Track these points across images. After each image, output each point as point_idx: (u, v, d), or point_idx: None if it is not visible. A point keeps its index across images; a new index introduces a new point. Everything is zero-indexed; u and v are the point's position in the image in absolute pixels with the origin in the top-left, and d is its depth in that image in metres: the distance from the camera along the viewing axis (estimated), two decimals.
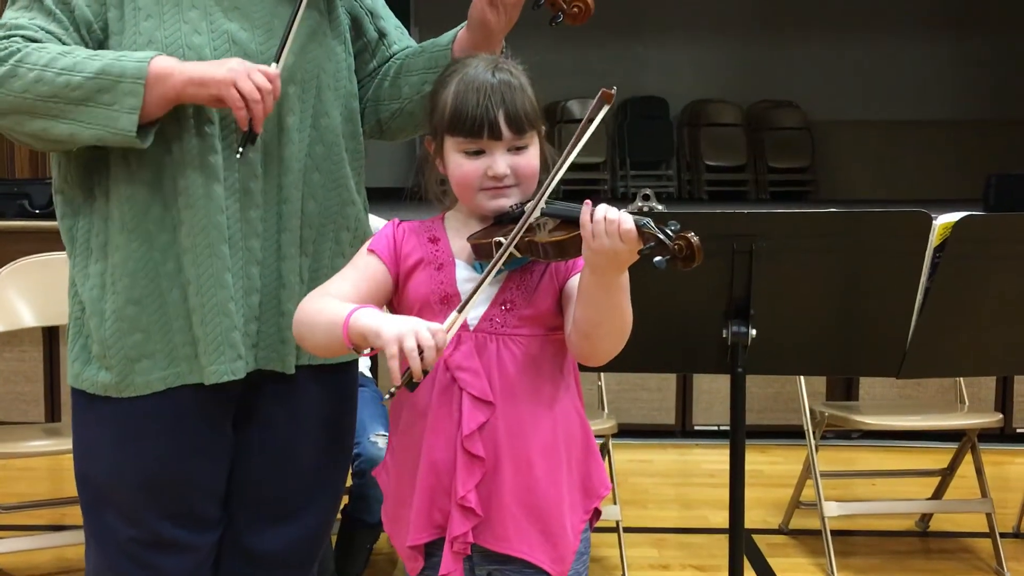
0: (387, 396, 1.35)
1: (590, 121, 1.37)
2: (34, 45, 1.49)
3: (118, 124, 1.47)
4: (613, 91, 1.36)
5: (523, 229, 1.38)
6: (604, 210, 1.32)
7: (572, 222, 1.39)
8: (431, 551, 1.49)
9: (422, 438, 1.46)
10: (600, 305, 1.38)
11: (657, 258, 1.30)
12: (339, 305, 1.41)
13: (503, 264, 1.41)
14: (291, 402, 1.67)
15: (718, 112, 8.40)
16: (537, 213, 1.40)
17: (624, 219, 1.31)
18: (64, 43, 1.52)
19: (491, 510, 1.45)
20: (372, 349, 1.34)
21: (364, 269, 1.49)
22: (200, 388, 1.58)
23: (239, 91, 1.47)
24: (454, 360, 1.45)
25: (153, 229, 1.56)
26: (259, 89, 1.47)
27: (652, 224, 1.31)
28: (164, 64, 1.48)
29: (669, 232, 1.30)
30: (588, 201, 1.34)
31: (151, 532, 1.61)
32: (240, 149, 1.53)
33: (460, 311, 1.36)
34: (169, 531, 1.62)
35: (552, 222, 1.42)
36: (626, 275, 1.37)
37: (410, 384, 1.29)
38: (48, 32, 1.52)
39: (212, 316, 1.55)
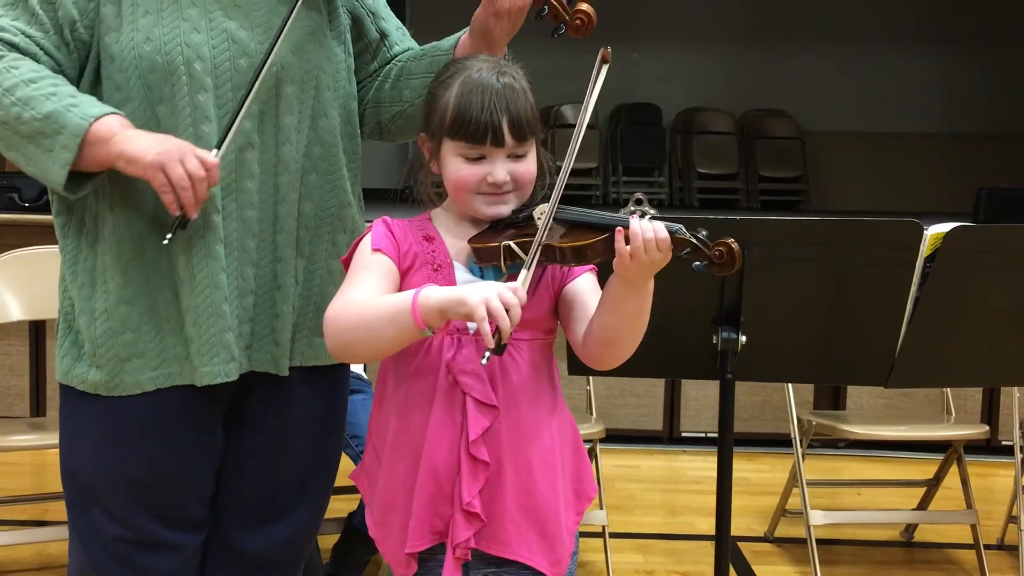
0: (483, 361, 1.33)
1: (593, 85, 1.38)
2: (9, 59, 1.49)
3: (50, 173, 1.47)
4: (610, 49, 1.37)
5: (544, 235, 1.38)
6: (641, 223, 1.33)
7: (583, 227, 1.40)
8: (423, 556, 1.48)
9: (421, 443, 1.45)
10: (629, 313, 1.39)
11: (696, 263, 1.34)
12: (390, 297, 1.39)
13: (506, 267, 1.42)
14: (282, 404, 1.66)
15: (710, 120, 8.42)
16: (550, 219, 1.40)
17: (659, 229, 1.32)
18: (43, 47, 1.52)
19: (492, 514, 1.45)
20: (442, 327, 1.33)
21: (378, 269, 1.46)
22: (191, 389, 1.57)
23: (167, 176, 1.44)
24: (456, 364, 1.44)
25: (146, 228, 1.55)
26: (190, 176, 1.44)
27: (684, 230, 1.34)
28: (106, 128, 1.46)
29: (701, 236, 1.33)
30: (620, 230, 1.34)
31: (136, 531, 1.60)
32: (169, 235, 1.48)
33: (528, 268, 1.36)
34: (155, 530, 1.61)
35: (560, 227, 1.42)
36: (652, 280, 1.38)
37: (500, 347, 1.28)
38: (28, 36, 1.51)
39: (206, 317, 1.54)
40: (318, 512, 1.77)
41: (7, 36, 1.50)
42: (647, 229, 1.32)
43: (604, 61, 1.38)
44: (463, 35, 1.65)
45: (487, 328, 1.27)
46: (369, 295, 1.42)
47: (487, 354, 1.30)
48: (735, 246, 1.33)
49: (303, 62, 1.61)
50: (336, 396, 1.75)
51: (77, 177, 1.49)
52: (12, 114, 1.46)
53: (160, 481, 1.60)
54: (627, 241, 1.33)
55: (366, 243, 1.48)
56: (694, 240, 1.34)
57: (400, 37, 1.78)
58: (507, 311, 1.27)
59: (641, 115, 8.35)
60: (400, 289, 1.46)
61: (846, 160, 8.58)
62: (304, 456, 1.70)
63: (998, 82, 8.58)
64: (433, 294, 1.33)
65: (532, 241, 1.38)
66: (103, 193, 1.56)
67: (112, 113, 1.48)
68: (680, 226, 1.35)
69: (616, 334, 1.41)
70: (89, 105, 1.48)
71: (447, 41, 1.68)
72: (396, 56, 1.75)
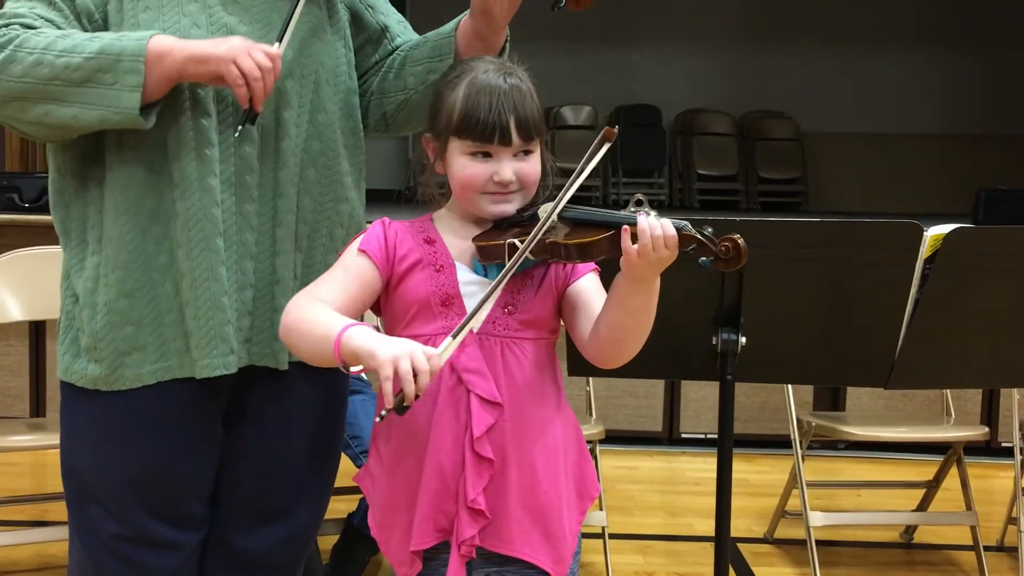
0: (378, 419, 1.32)
1: (590, 159, 1.39)
2: (32, 31, 1.49)
3: (120, 103, 1.46)
4: (616, 130, 1.38)
5: (542, 230, 1.39)
6: (649, 221, 1.33)
7: (588, 225, 1.41)
8: (427, 555, 1.48)
9: (426, 441, 1.45)
10: (636, 310, 1.39)
11: (702, 259, 1.35)
12: (331, 318, 1.38)
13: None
14: (282, 400, 1.67)
15: (710, 121, 8.42)
16: (555, 218, 1.41)
17: (666, 225, 1.33)
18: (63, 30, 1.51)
19: (496, 512, 1.45)
20: (362, 368, 1.32)
21: (354, 271, 1.47)
22: (190, 384, 1.57)
23: (239, 68, 1.46)
24: (460, 362, 1.44)
25: (147, 221, 1.55)
26: (259, 67, 1.47)
27: (690, 227, 1.35)
28: (163, 42, 1.47)
29: (707, 233, 1.35)
30: (625, 229, 1.34)
31: (136, 529, 1.60)
32: (239, 127, 1.51)
33: (455, 336, 1.34)
34: (154, 528, 1.61)
35: (565, 225, 1.43)
36: (659, 277, 1.38)
37: (400, 408, 1.27)
38: (47, 20, 1.51)
39: (205, 310, 1.54)
40: (318, 512, 1.77)
41: (26, 20, 1.50)
42: (655, 226, 1.33)
43: (606, 139, 1.39)
44: (464, 17, 1.65)
45: (388, 388, 1.26)
46: (328, 298, 1.43)
47: (383, 413, 1.28)
48: (741, 242, 1.34)
49: (303, 57, 1.61)
50: (336, 393, 1.75)
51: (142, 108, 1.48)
52: (60, 65, 1.46)
53: (159, 478, 1.60)
54: (634, 239, 1.33)
55: (356, 242, 1.50)
56: (700, 236, 1.35)
57: (402, 30, 1.78)
58: (416, 376, 1.25)
59: (641, 116, 8.35)
60: (390, 291, 1.48)
61: (845, 161, 8.59)
62: (304, 453, 1.70)
63: (997, 83, 8.59)
64: (355, 336, 1.32)
65: (531, 237, 1.39)
66: (105, 187, 1.56)
67: (159, 33, 1.49)
68: (686, 223, 1.36)
69: (623, 332, 1.42)
70: (133, 32, 1.49)
71: (448, 25, 1.68)
72: (398, 47, 1.76)
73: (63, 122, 1.49)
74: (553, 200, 1.43)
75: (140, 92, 1.45)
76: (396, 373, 1.25)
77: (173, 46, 1.47)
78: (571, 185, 1.40)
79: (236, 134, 1.52)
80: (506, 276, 1.38)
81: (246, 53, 1.46)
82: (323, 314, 1.40)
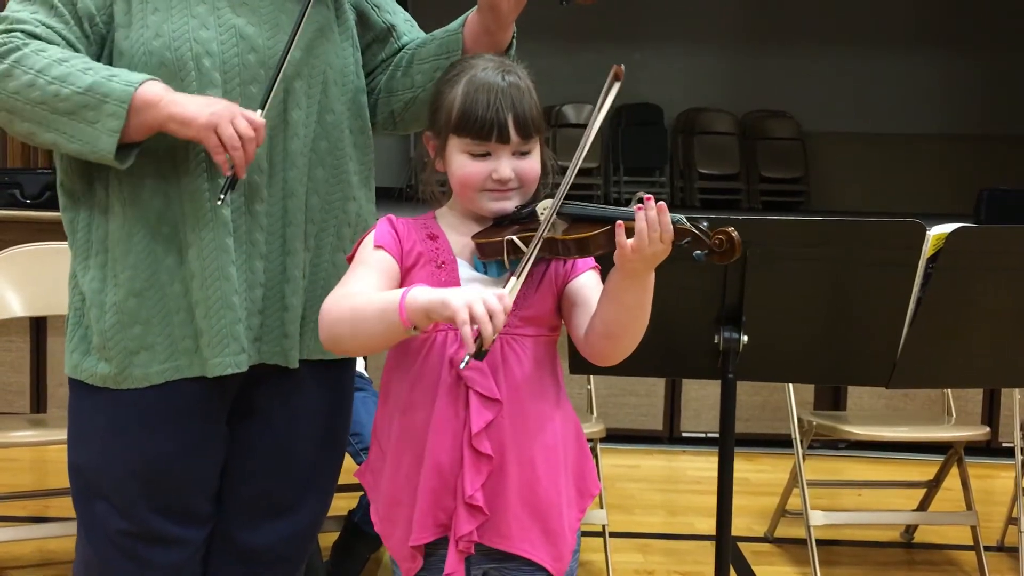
0: (462, 366, 1.32)
1: (604, 101, 1.38)
2: (34, 45, 1.49)
3: (98, 143, 1.46)
4: (623, 67, 1.37)
5: (546, 228, 1.39)
6: (647, 215, 1.33)
7: (585, 220, 1.41)
8: (428, 551, 1.48)
9: (425, 437, 1.46)
10: (630, 306, 1.39)
11: (696, 252, 1.35)
12: (382, 293, 1.39)
13: (509, 262, 1.43)
14: (290, 398, 1.67)
15: (712, 120, 8.42)
16: (554, 212, 1.41)
17: (663, 220, 1.33)
18: (64, 37, 1.52)
19: (495, 508, 1.45)
20: (429, 327, 1.31)
21: (378, 265, 1.47)
22: (199, 382, 1.57)
23: (220, 137, 1.44)
24: (459, 358, 1.44)
25: (154, 222, 1.55)
26: (241, 136, 1.45)
27: (685, 220, 1.36)
28: (152, 92, 1.46)
29: (701, 227, 1.35)
30: (620, 223, 1.34)
31: (142, 525, 1.61)
32: (221, 196, 1.48)
33: (519, 276, 1.35)
34: (160, 524, 1.61)
35: (563, 222, 1.43)
36: (653, 273, 1.39)
37: (480, 352, 1.28)
38: (49, 27, 1.51)
39: (216, 309, 1.54)
40: (322, 508, 1.78)
41: (28, 27, 1.50)
42: (651, 220, 1.33)
43: (616, 78, 1.38)
44: (471, 13, 1.65)
45: (467, 332, 1.26)
46: (363, 290, 1.42)
47: (467, 358, 1.29)
48: (735, 234, 1.34)
49: (311, 57, 1.61)
50: (342, 391, 1.76)
51: (121, 147, 1.48)
52: (50, 92, 1.46)
53: (166, 475, 1.60)
54: (628, 234, 1.33)
55: (369, 240, 1.50)
56: (694, 230, 1.35)
57: (408, 28, 1.78)
58: (491, 317, 1.26)
59: (643, 115, 8.34)
60: (401, 286, 1.47)
61: (847, 161, 8.59)
62: (310, 451, 1.71)
63: (998, 83, 8.59)
64: (420, 295, 1.33)
65: (535, 235, 1.39)
66: (112, 188, 1.56)
67: (152, 79, 1.48)
68: (681, 217, 1.36)
69: (618, 328, 1.42)
70: (128, 74, 1.48)
71: (455, 22, 1.68)
72: (405, 46, 1.76)
73: (45, 144, 1.50)
74: (552, 197, 1.43)
75: (117, 137, 1.45)
76: (472, 317, 1.25)
77: (161, 98, 1.46)
78: (583, 148, 1.38)
79: (219, 202, 1.49)
80: (526, 266, 1.37)
81: (228, 121, 1.44)
82: (372, 294, 1.41)
